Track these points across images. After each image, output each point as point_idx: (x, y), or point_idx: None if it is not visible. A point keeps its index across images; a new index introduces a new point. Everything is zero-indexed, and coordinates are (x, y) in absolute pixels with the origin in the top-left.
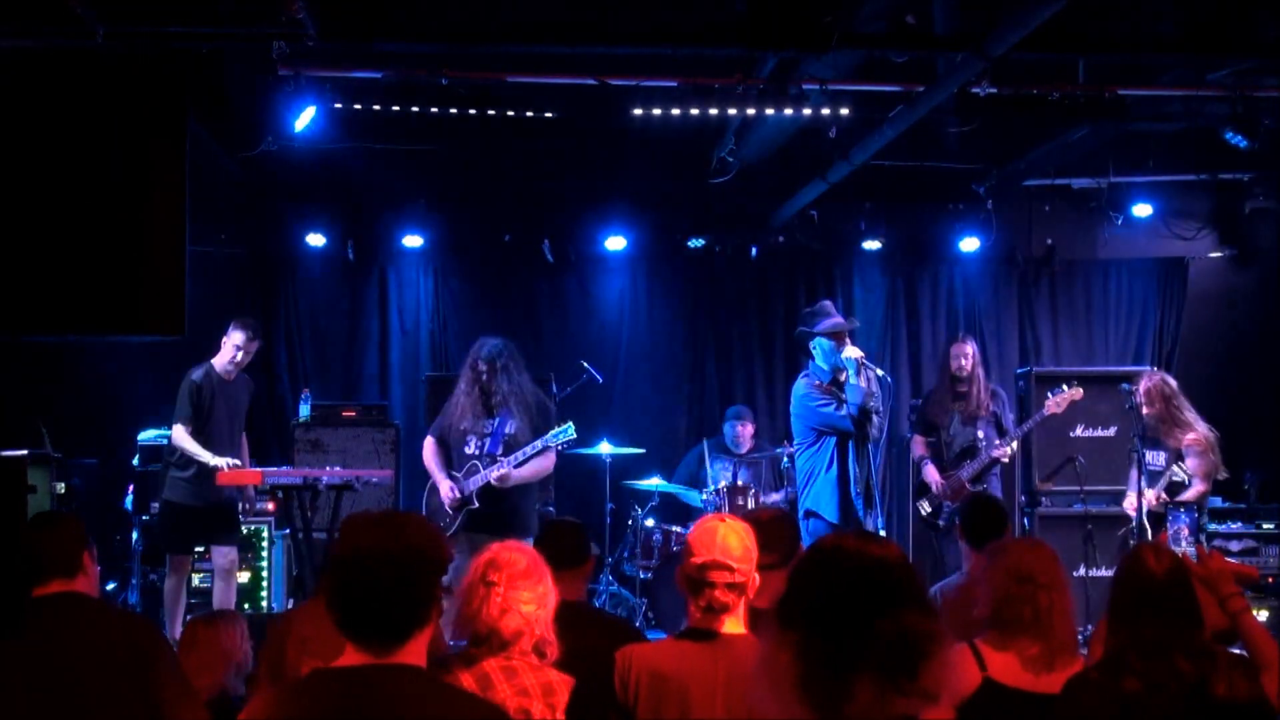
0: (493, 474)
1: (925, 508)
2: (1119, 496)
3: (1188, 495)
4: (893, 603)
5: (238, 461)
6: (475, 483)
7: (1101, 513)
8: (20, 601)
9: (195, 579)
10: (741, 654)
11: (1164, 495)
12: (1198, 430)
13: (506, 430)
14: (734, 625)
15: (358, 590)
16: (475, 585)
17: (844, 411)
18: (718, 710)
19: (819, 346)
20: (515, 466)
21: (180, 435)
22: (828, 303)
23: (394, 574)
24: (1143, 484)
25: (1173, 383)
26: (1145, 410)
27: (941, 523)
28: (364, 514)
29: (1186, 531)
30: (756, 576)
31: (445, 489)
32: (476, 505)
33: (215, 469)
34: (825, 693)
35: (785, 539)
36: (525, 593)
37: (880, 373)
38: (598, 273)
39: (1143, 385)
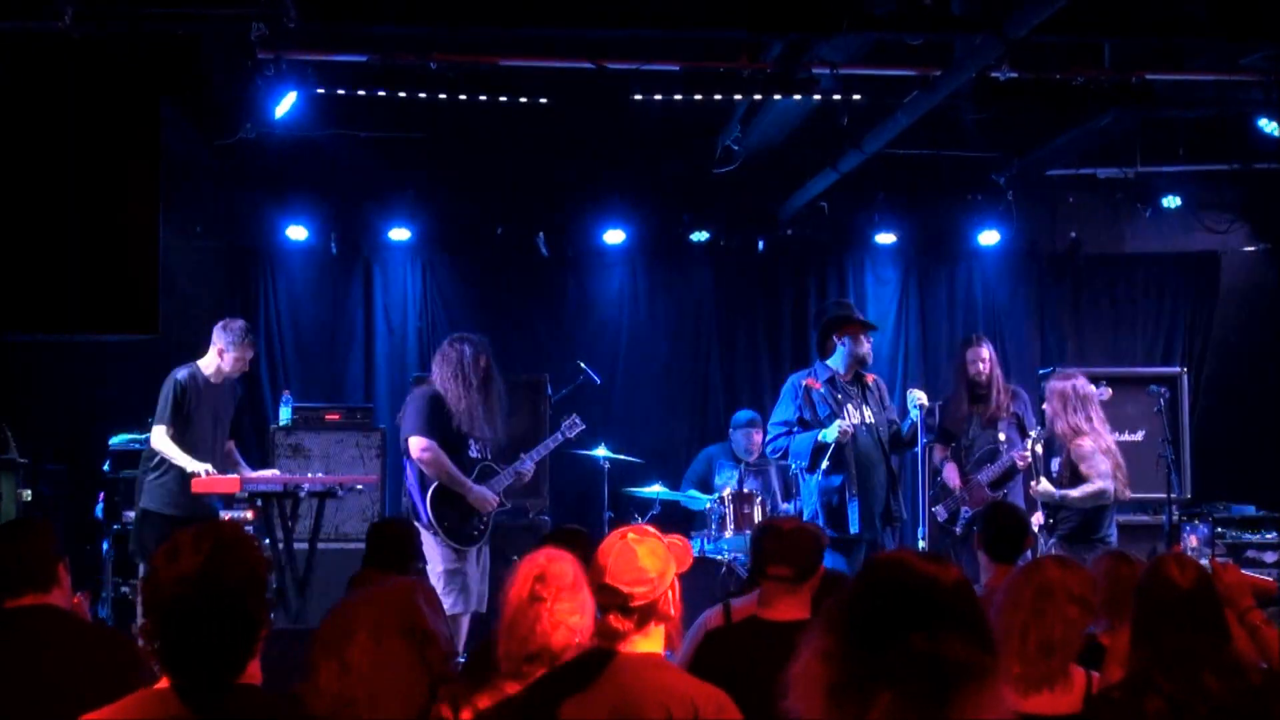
0: (524, 470)
1: (942, 513)
2: (1147, 504)
3: (1074, 492)
4: (935, 623)
5: (211, 468)
6: (500, 484)
7: (1128, 521)
8: None
9: None
10: (631, 675)
11: (1040, 515)
12: (1088, 435)
13: (489, 433)
14: (640, 644)
15: (177, 632)
16: (525, 604)
17: (792, 441)
18: None
19: (844, 343)
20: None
21: (160, 438)
22: (848, 301)
23: (217, 612)
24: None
25: (1080, 386)
26: (1044, 406)
27: (958, 530)
28: (176, 541)
29: (1196, 542)
30: (672, 593)
31: (490, 498)
32: (507, 506)
33: (193, 475)
34: (849, 703)
35: (803, 552)
36: (571, 603)
37: (915, 405)
38: (595, 268)
39: (1049, 383)
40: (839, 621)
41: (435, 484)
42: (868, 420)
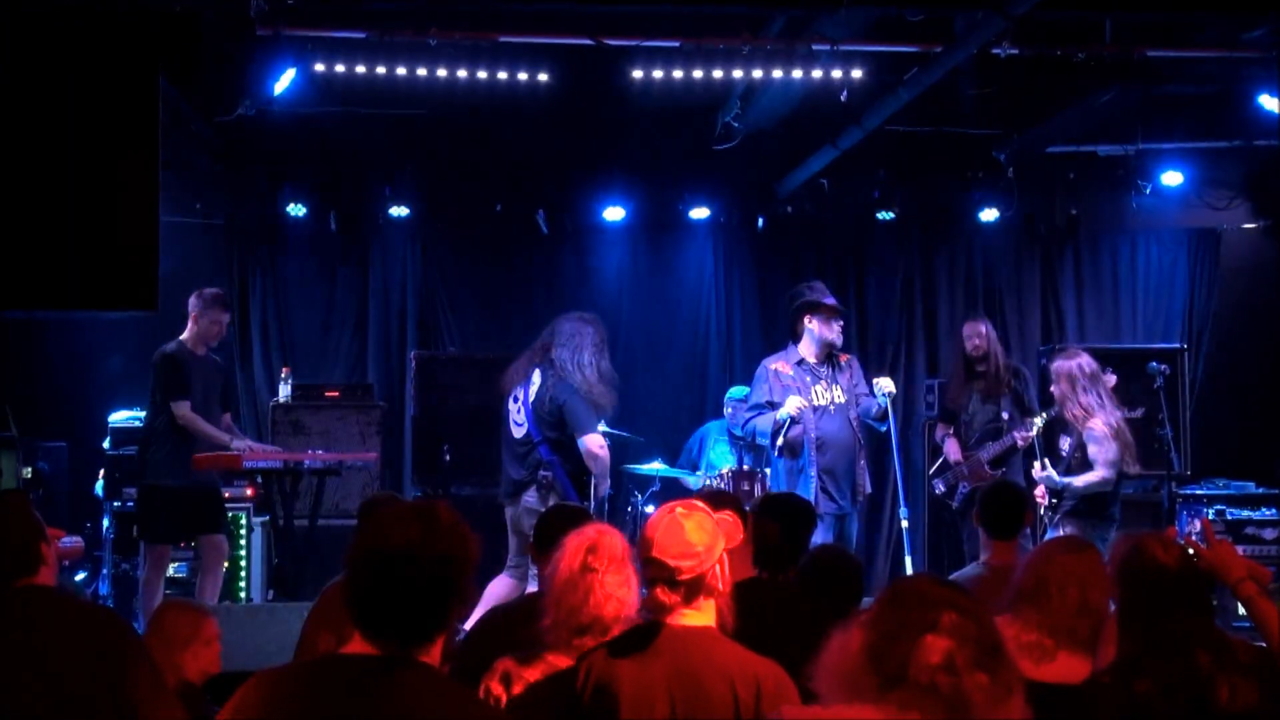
0: None
1: (940, 486)
2: (1147, 481)
3: (1077, 480)
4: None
5: (255, 444)
6: None
7: (1128, 497)
8: None
9: (170, 568)
10: (687, 648)
11: (1043, 491)
12: (1099, 416)
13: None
14: (690, 617)
15: (382, 593)
16: (577, 575)
17: (763, 422)
18: (657, 711)
19: (815, 323)
20: None
21: (185, 413)
22: (820, 284)
23: (424, 578)
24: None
25: (1087, 364)
26: (1052, 389)
27: (955, 504)
28: (394, 506)
29: (1200, 525)
30: (720, 567)
31: None
32: None
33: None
34: (893, 651)
35: (727, 508)
36: (619, 576)
37: (882, 393)
38: (595, 245)
39: (1054, 363)
40: (876, 601)
41: (593, 478)
42: (837, 400)
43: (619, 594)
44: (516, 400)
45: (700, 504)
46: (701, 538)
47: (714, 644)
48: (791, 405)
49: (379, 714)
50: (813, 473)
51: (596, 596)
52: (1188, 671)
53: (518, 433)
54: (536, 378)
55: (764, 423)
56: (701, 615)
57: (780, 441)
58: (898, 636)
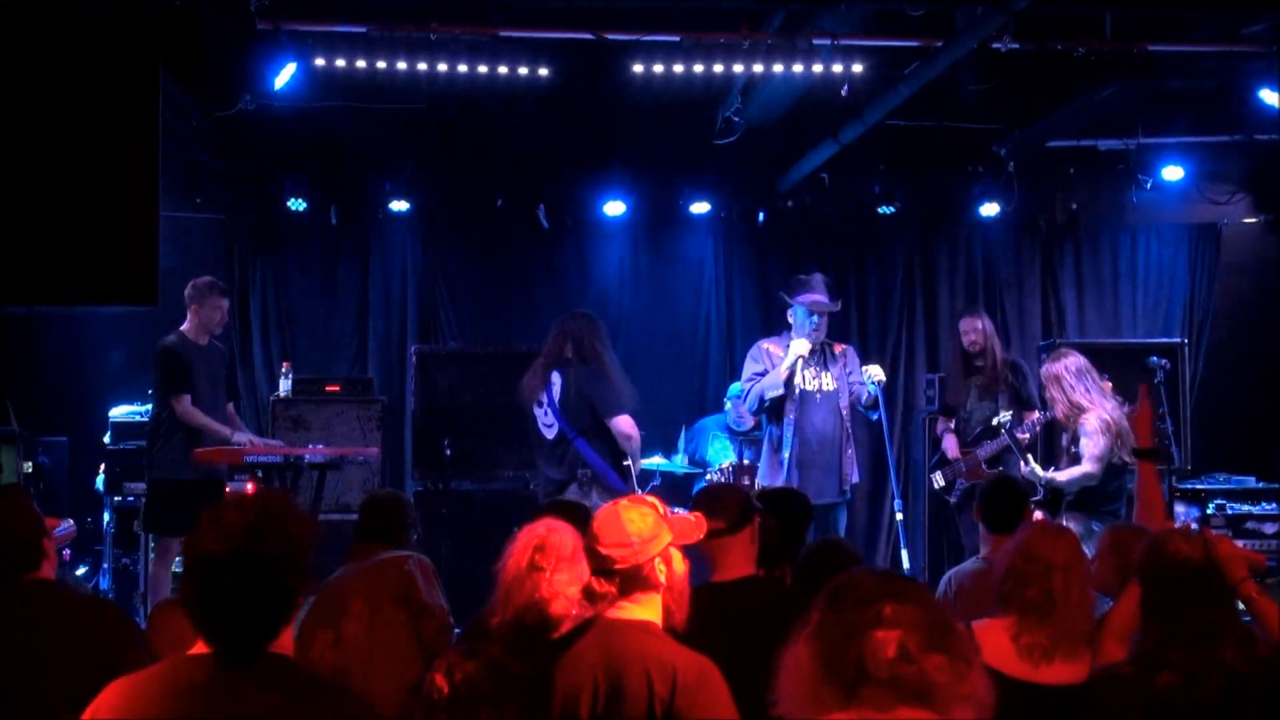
0: None
1: (939, 481)
2: None
3: (1060, 475)
4: (902, 593)
5: (256, 438)
6: None
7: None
8: None
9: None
10: (614, 640)
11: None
12: (1091, 411)
13: None
14: (629, 611)
15: (215, 596)
16: (524, 573)
17: (768, 379)
18: (583, 703)
19: (796, 314)
20: None
21: (185, 408)
22: (819, 276)
23: (256, 578)
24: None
25: (1073, 363)
26: (1047, 393)
27: (953, 499)
28: (222, 505)
29: (1194, 526)
30: (666, 563)
31: None
32: None
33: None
34: (846, 654)
35: (727, 505)
36: (569, 574)
37: (871, 380)
38: (595, 240)
39: (1043, 367)
40: (815, 609)
41: (628, 460)
42: (826, 388)
43: (567, 591)
44: (541, 405)
45: (652, 499)
46: (639, 529)
47: (641, 636)
48: (796, 349)
49: (231, 712)
50: (790, 460)
51: (542, 593)
52: (1212, 662)
53: (550, 434)
54: (557, 379)
55: (768, 379)
56: (641, 609)
57: (783, 392)
58: (846, 640)
